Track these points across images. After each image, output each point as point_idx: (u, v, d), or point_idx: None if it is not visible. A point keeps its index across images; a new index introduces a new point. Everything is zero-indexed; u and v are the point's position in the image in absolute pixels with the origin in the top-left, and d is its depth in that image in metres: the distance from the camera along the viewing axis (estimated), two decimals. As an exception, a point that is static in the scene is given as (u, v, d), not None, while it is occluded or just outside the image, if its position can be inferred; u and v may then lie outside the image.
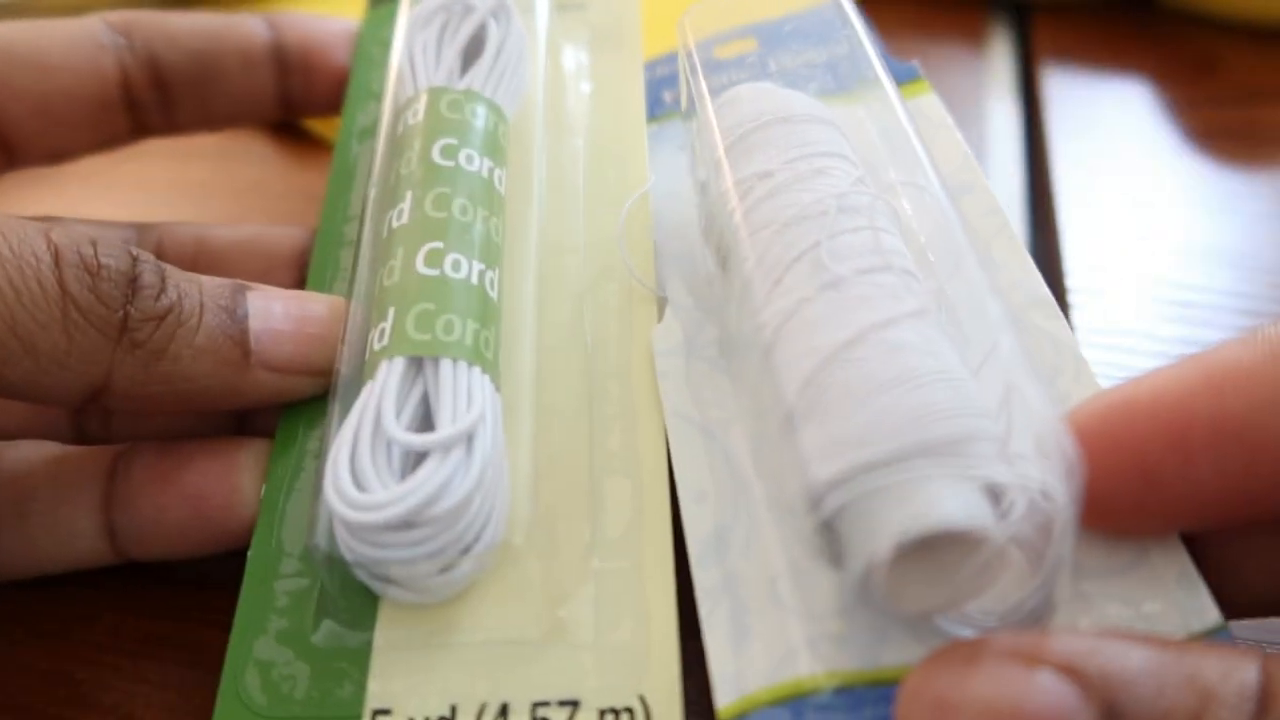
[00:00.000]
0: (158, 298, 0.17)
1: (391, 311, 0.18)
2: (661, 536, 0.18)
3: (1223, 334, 0.26)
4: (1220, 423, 0.14)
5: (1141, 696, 0.12)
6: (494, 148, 0.21)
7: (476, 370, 0.18)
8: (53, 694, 0.19)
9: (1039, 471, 0.14)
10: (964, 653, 0.13)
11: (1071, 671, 0.12)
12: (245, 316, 0.18)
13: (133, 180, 0.29)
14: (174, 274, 0.18)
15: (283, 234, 0.23)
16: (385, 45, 0.25)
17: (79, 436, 0.22)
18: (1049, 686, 0.12)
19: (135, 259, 0.17)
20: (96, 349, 0.17)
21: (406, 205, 0.19)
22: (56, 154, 0.24)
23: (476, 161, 0.20)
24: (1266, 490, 0.14)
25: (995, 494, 0.14)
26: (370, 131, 0.24)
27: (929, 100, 0.23)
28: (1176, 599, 0.15)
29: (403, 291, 0.18)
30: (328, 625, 0.17)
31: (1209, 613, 0.15)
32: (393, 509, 0.16)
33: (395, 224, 0.19)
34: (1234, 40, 0.37)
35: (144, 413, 0.19)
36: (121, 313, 0.17)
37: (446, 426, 0.17)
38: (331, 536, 0.17)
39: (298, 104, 0.25)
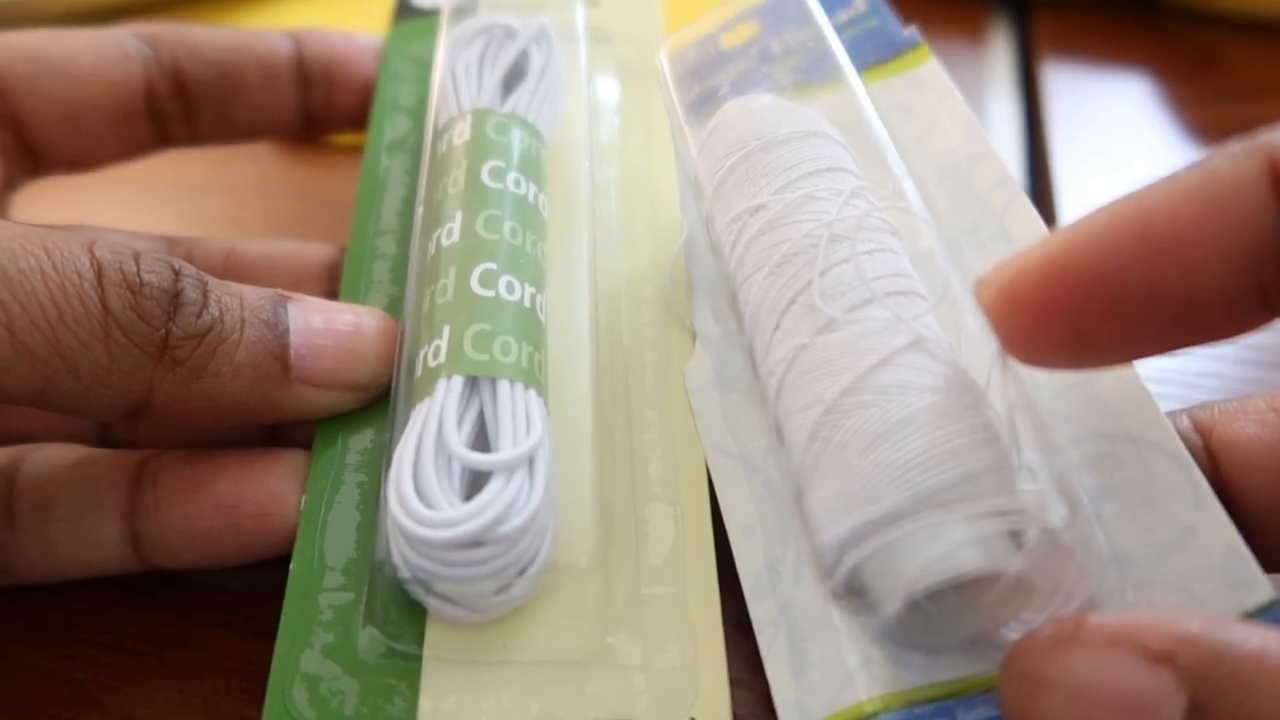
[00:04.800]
0: (199, 314, 0.17)
1: (447, 330, 0.18)
2: (705, 563, 0.18)
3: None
4: (1156, 287, 0.14)
5: (1228, 692, 0.12)
6: (537, 172, 0.21)
7: (532, 393, 0.18)
8: (53, 694, 0.19)
9: (1048, 484, 0.14)
10: (1063, 630, 0.13)
11: (1166, 659, 0.12)
12: (285, 331, 0.18)
13: (132, 180, 0.29)
14: (215, 288, 0.18)
15: (314, 248, 0.23)
16: (412, 60, 0.26)
17: (104, 440, 0.21)
18: (1142, 672, 0.12)
19: (177, 274, 0.17)
20: (138, 367, 0.16)
21: (456, 225, 0.20)
22: (81, 161, 0.24)
23: (523, 185, 0.21)
24: (1200, 325, 0.14)
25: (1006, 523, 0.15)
26: (400, 145, 0.24)
27: (930, 68, 0.23)
28: (1227, 577, 0.15)
29: (458, 310, 0.18)
30: (376, 639, 0.17)
31: (1261, 589, 0.15)
32: (462, 527, 0.16)
33: (445, 242, 0.19)
34: (1234, 36, 0.37)
35: (180, 425, 0.18)
36: (163, 331, 0.17)
37: (509, 448, 0.17)
38: (388, 550, 0.17)
39: (320, 118, 0.25)
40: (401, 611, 0.17)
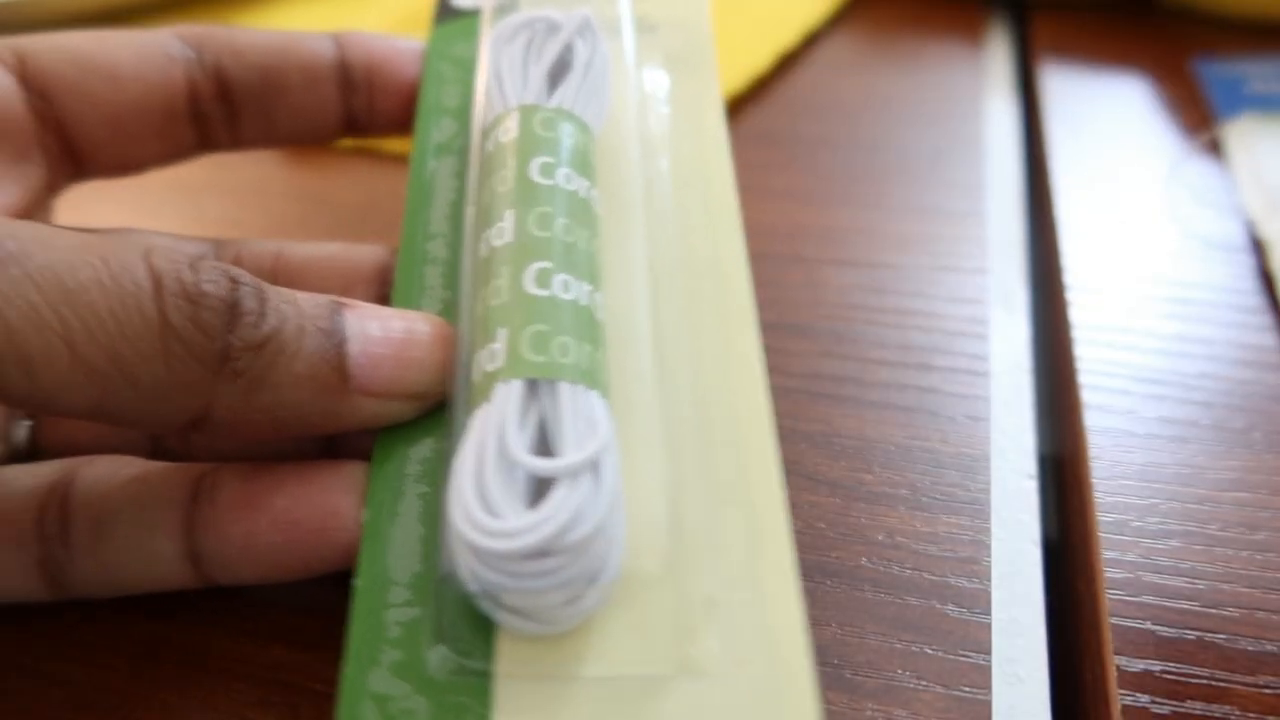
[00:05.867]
0: (258, 324, 0.17)
1: (503, 332, 0.18)
2: (783, 568, 0.17)
3: (1222, 330, 0.26)
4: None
5: None
6: (586, 167, 0.21)
7: (594, 394, 0.17)
8: (53, 694, 0.19)
9: None
10: None
11: None
12: (343, 339, 0.18)
13: (132, 182, 0.29)
14: (273, 296, 0.17)
15: (363, 250, 0.23)
16: (455, 62, 0.25)
17: (155, 450, 0.21)
18: None
19: (235, 283, 0.17)
20: (197, 380, 0.16)
21: (508, 224, 0.19)
22: (124, 165, 0.24)
23: (574, 181, 0.20)
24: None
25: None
26: (447, 148, 0.24)
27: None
28: None
29: (513, 311, 0.18)
30: (445, 656, 0.16)
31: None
32: (529, 536, 0.15)
33: (496, 242, 0.19)
34: (1231, 38, 0.37)
35: (238, 438, 0.18)
36: (222, 342, 0.16)
37: (572, 452, 0.16)
38: (453, 563, 0.16)
39: (362, 122, 0.25)
40: (470, 626, 0.17)
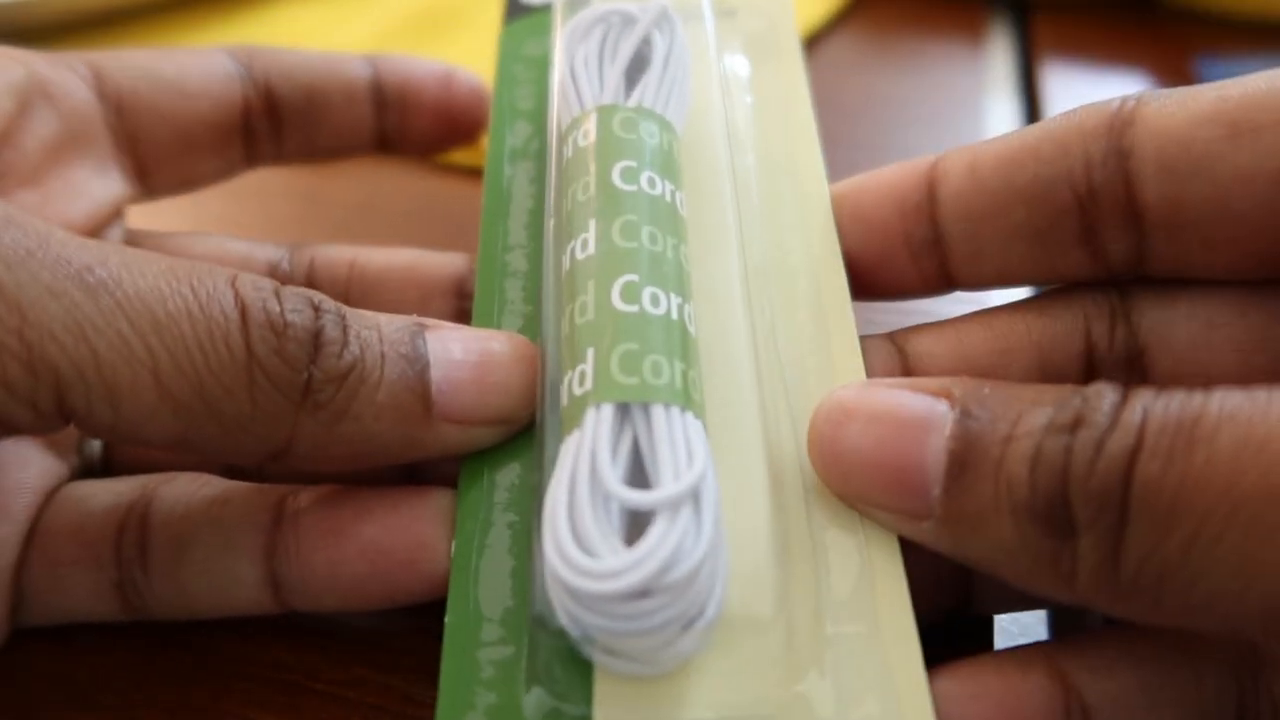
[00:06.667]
0: (340, 354, 0.16)
1: (591, 353, 0.17)
2: (897, 597, 0.16)
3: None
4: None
5: (989, 399, 0.15)
6: (671, 168, 0.20)
7: (689, 416, 0.16)
8: (53, 694, 0.19)
9: None
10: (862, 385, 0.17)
11: (943, 393, 0.15)
12: (425, 365, 0.17)
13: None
14: (354, 322, 0.17)
15: (440, 260, 0.23)
16: (527, 62, 0.24)
17: (230, 470, 0.20)
18: (927, 399, 0.15)
19: (318, 311, 0.16)
20: (280, 413, 0.16)
21: (591, 235, 0.18)
22: (185, 182, 0.24)
23: (659, 185, 0.19)
24: None
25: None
26: (523, 153, 0.23)
27: None
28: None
29: (601, 330, 0.17)
30: (542, 699, 0.16)
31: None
32: (628, 577, 0.14)
33: (580, 255, 0.18)
34: (1233, 37, 0.37)
35: (319, 468, 0.18)
36: (306, 374, 0.16)
37: (670, 482, 0.15)
38: (547, 602, 0.15)
39: (393, 139, 0.25)
40: (567, 668, 0.16)
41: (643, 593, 0.14)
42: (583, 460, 0.16)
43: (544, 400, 0.18)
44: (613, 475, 0.15)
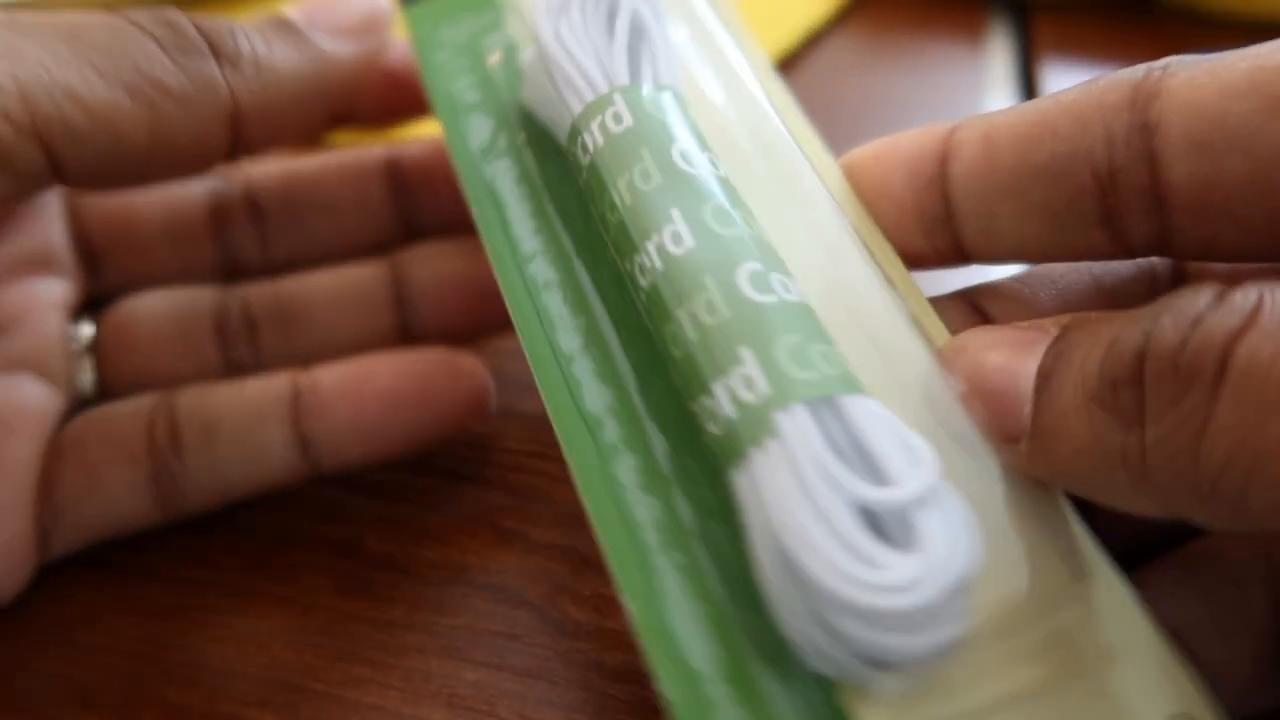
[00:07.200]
0: (218, 26, 0.19)
1: (748, 354, 0.15)
2: (1093, 561, 0.15)
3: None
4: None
5: (1095, 319, 0.14)
6: (706, 143, 0.18)
7: (869, 400, 0.15)
8: (53, 694, 0.19)
9: None
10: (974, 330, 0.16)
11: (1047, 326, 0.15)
12: (281, 16, 0.20)
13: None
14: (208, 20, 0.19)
15: (369, 151, 0.24)
16: (454, 50, 0.22)
17: (225, 273, 0.23)
18: (1023, 330, 0.16)
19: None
20: (208, 74, 0.18)
21: (680, 226, 0.16)
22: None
23: (717, 163, 0.18)
24: None
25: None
26: (493, 150, 0.20)
27: None
28: None
29: (746, 327, 0.15)
30: None
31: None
32: (932, 581, 0.13)
33: (675, 249, 0.16)
34: (1233, 38, 0.37)
35: (279, 136, 0.20)
36: (206, 41, 0.18)
37: (913, 473, 0.14)
38: (808, 639, 0.14)
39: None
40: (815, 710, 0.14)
41: (956, 593, 0.13)
42: (806, 469, 0.14)
43: (653, 419, 0.17)
44: (850, 478, 0.14)
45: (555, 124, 0.20)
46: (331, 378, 0.21)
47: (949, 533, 0.14)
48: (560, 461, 0.22)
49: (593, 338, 0.18)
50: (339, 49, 0.20)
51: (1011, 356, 0.15)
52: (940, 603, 0.13)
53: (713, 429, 0.15)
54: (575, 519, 0.21)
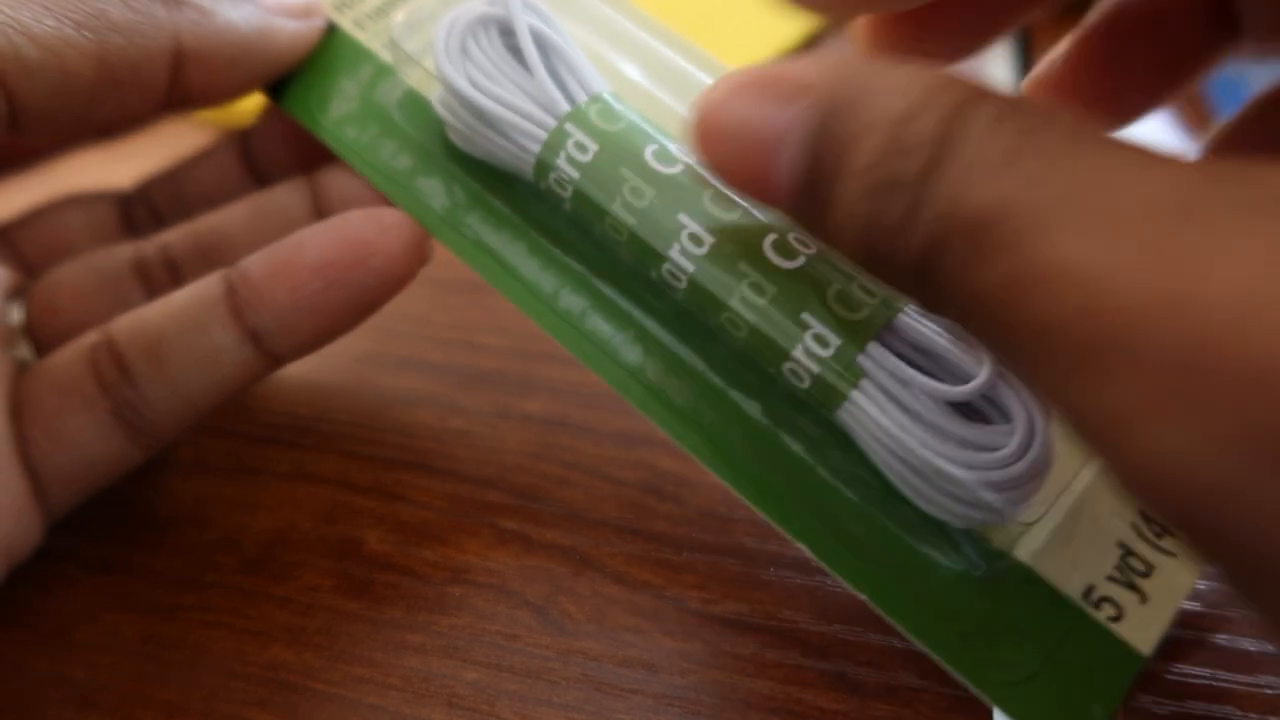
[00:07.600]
0: None
1: (807, 315, 0.17)
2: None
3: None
4: None
5: (855, 100, 0.13)
6: (664, 129, 0.19)
7: (910, 312, 0.17)
8: (52, 694, 0.19)
9: None
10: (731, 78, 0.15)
11: (801, 92, 0.14)
12: None
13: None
14: None
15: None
16: (354, 121, 0.21)
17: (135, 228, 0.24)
18: (770, 109, 0.14)
19: None
20: (153, 10, 0.19)
21: (696, 228, 0.18)
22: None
23: (681, 151, 0.18)
24: None
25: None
26: (457, 207, 0.20)
27: None
28: None
29: (795, 294, 0.17)
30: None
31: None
32: (1034, 447, 0.16)
33: (699, 251, 0.17)
34: (1233, 38, 0.37)
35: (222, 85, 0.21)
36: None
37: (977, 361, 0.16)
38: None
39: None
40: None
41: (1049, 455, 0.16)
42: (901, 393, 0.16)
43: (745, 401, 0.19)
44: (939, 385, 0.16)
45: (510, 165, 0.20)
46: (260, 264, 0.20)
47: (1020, 394, 0.16)
48: (560, 462, 0.22)
49: (649, 344, 0.19)
50: (281, 22, 0.21)
51: (766, 146, 0.14)
52: (1042, 453, 0.16)
53: (804, 385, 0.17)
54: (575, 519, 0.21)
